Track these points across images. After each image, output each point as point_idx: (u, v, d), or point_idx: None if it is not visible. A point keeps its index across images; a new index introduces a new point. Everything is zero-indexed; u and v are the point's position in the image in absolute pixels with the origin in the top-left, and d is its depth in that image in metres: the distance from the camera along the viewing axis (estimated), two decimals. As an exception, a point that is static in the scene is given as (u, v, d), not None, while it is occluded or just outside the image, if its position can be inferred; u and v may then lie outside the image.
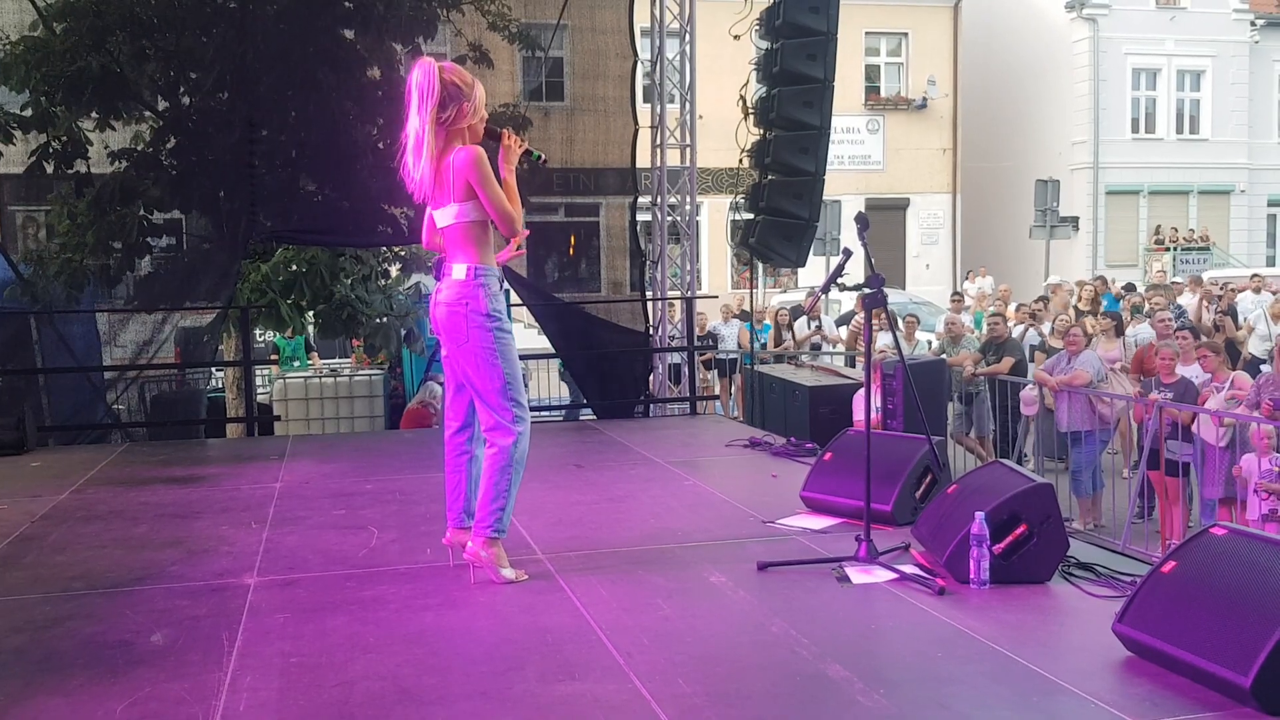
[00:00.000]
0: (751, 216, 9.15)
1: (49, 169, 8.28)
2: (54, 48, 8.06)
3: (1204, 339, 9.02)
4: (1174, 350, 8.02)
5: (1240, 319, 13.30)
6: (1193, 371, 8.14)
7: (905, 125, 25.34)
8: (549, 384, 11.63)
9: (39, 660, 3.31)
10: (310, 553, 4.53)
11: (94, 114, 8.33)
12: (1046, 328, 11.65)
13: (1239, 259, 24.85)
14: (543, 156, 4.23)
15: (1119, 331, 10.86)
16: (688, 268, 9.87)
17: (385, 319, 10.77)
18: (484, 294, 3.87)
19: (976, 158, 26.29)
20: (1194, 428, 7.46)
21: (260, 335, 12.30)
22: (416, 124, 3.83)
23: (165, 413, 9.31)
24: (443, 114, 3.83)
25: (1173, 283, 17.17)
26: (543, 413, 10.29)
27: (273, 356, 12.41)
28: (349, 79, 8.57)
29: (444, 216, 3.93)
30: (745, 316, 14.61)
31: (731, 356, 13.57)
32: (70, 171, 8.37)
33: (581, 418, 9.65)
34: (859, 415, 7.90)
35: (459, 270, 3.90)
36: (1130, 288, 14.97)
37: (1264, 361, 11.59)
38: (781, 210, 8.87)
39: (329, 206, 8.84)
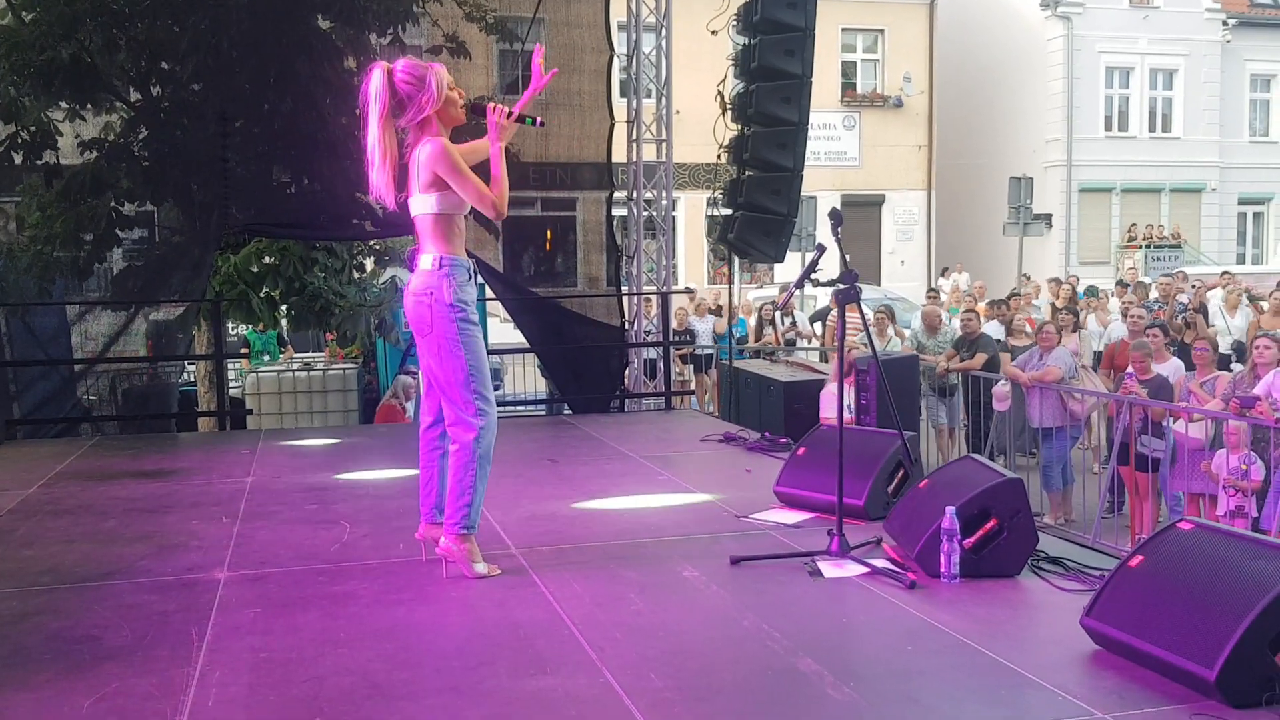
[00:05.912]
0: (730, 212, 9.16)
1: (16, 159, 8.18)
2: (23, 37, 7.95)
3: (1181, 336, 9.10)
4: (1147, 350, 8.08)
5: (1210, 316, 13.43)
6: (1168, 369, 8.22)
7: (881, 122, 25.43)
8: (525, 378, 11.60)
9: (5, 656, 3.28)
10: (281, 547, 4.51)
11: (64, 104, 8.23)
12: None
13: (1210, 257, 25.08)
14: (537, 119, 4.23)
15: (1075, 326, 10.95)
16: (663, 263, 9.87)
17: (357, 309, 10.71)
18: (449, 284, 3.86)
19: (951, 155, 26.42)
20: (1173, 425, 7.52)
21: (233, 329, 12.20)
22: (374, 133, 3.84)
23: (136, 406, 9.22)
24: (403, 117, 3.84)
25: (1161, 278, 17.22)
26: (518, 407, 10.27)
27: (243, 350, 12.32)
28: (324, 70, 8.50)
29: (414, 207, 3.94)
30: (718, 312, 14.65)
31: (707, 351, 13.58)
32: (40, 162, 8.27)
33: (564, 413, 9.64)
34: (825, 412, 7.92)
35: (426, 260, 3.92)
36: (1093, 292, 15.11)
37: (1230, 357, 11.72)
38: (760, 206, 8.89)
39: (303, 199, 8.77)
